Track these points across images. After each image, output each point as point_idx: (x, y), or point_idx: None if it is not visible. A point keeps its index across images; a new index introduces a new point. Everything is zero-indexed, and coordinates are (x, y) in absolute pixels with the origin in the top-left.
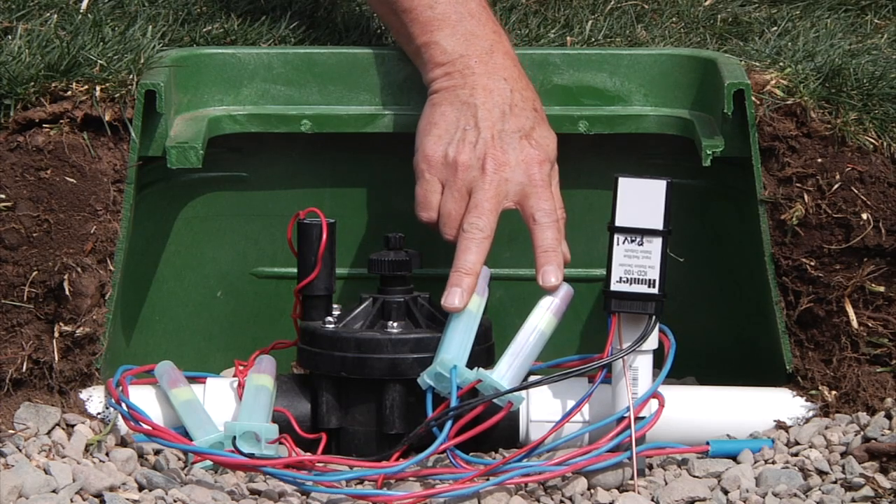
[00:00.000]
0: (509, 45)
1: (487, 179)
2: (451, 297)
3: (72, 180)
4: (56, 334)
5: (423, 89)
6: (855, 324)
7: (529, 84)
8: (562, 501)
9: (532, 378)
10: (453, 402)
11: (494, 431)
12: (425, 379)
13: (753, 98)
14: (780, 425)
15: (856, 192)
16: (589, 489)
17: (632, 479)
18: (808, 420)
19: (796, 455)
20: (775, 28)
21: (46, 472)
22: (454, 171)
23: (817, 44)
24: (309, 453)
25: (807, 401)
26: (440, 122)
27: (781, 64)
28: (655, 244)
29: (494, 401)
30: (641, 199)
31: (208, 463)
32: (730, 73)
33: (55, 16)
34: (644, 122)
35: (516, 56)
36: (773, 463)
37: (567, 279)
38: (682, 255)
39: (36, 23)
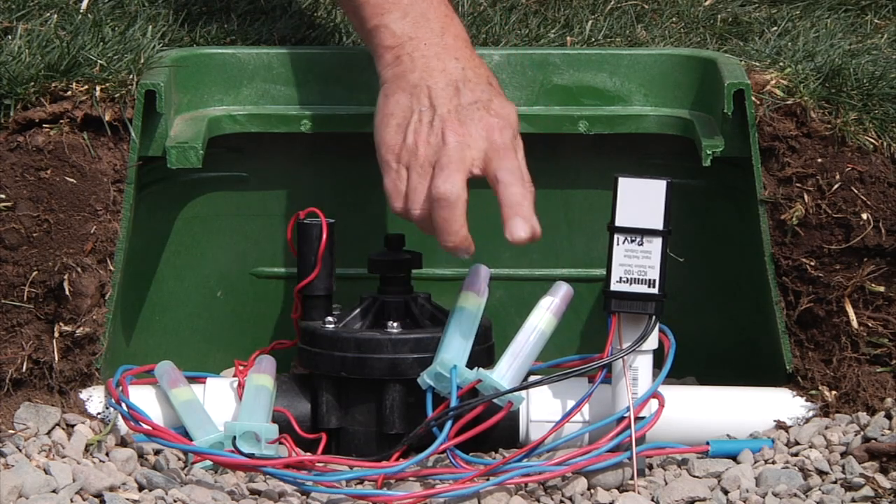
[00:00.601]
0: (461, 28)
1: (449, 148)
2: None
3: (72, 180)
4: (56, 334)
5: None
6: (855, 324)
7: (483, 63)
8: (562, 501)
9: (532, 378)
10: (453, 402)
11: (494, 431)
12: (425, 379)
13: (753, 98)
14: (780, 425)
15: (856, 192)
16: (589, 489)
17: (632, 479)
18: (808, 420)
19: (796, 455)
20: (775, 28)
21: (46, 472)
22: (415, 153)
23: (817, 44)
24: (309, 453)
25: (807, 401)
26: (395, 111)
27: (781, 64)
28: (655, 244)
29: (494, 401)
30: (641, 199)
31: (208, 463)
32: (730, 73)
33: (55, 16)
34: (644, 122)
35: (469, 39)
36: (773, 463)
37: (567, 279)
38: (682, 255)
39: (36, 23)
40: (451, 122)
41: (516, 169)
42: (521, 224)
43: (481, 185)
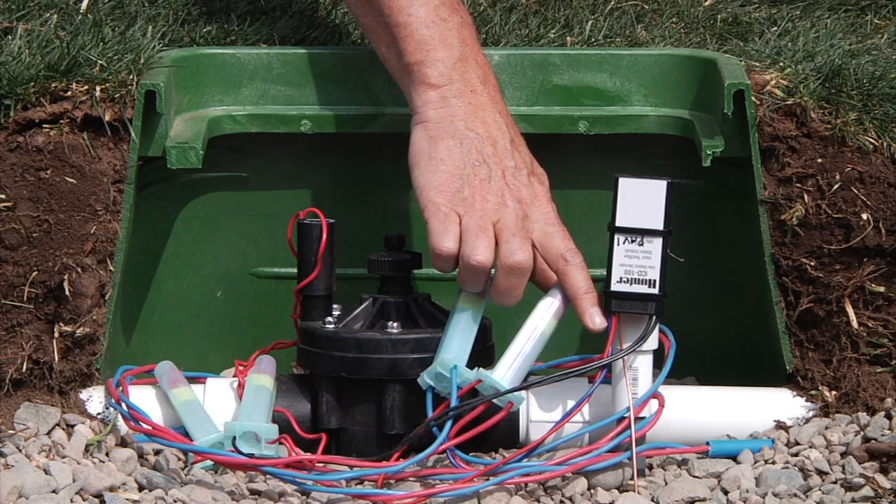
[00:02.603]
0: (495, 79)
1: (512, 212)
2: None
3: (72, 180)
4: (56, 334)
5: None
6: (855, 324)
7: (513, 119)
8: (562, 501)
9: (532, 378)
10: (453, 402)
11: (494, 431)
12: (425, 379)
13: (753, 98)
14: (780, 425)
15: (856, 192)
16: (589, 489)
17: (632, 479)
18: (808, 420)
19: (796, 455)
20: (775, 28)
21: (46, 472)
22: (472, 205)
23: (817, 44)
24: (309, 453)
25: (807, 401)
26: (446, 157)
27: (781, 64)
28: (655, 244)
29: (494, 401)
30: (641, 199)
31: (208, 463)
32: (730, 73)
33: (55, 16)
34: (644, 122)
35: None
36: (773, 463)
37: None
38: (682, 255)
39: (36, 23)
40: (508, 186)
41: (577, 250)
42: (599, 313)
43: None
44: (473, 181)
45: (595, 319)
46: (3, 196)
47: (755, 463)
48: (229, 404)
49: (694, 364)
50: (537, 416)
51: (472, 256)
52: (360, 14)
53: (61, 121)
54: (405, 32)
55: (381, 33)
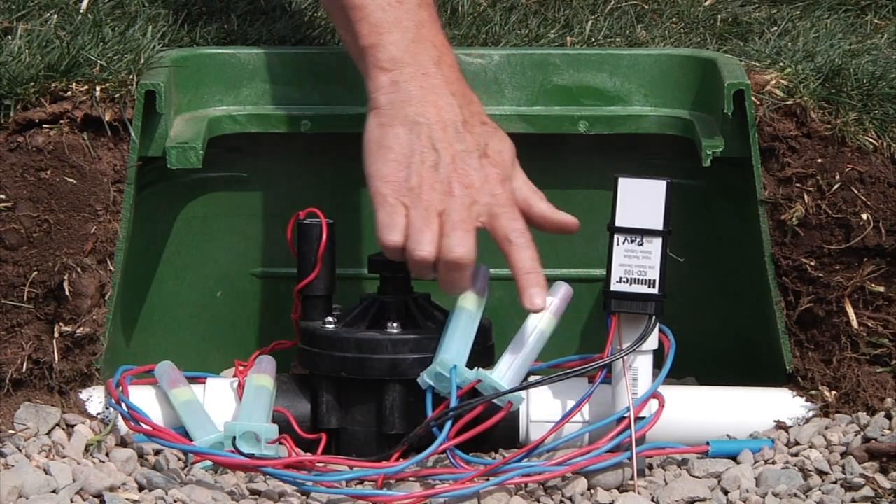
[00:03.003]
0: (455, 58)
1: (458, 201)
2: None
3: (72, 180)
4: (56, 334)
5: None
6: (855, 324)
7: (474, 96)
8: (562, 501)
9: (532, 378)
10: (453, 402)
11: (494, 431)
12: (425, 379)
13: (753, 98)
14: (780, 425)
15: (856, 192)
16: (589, 489)
17: (632, 479)
18: (808, 420)
19: (796, 455)
20: (775, 28)
21: (46, 472)
22: (419, 194)
23: (817, 44)
24: (309, 453)
25: (807, 401)
26: (394, 144)
27: (781, 64)
28: (655, 244)
29: (494, 401)
30: (641, 199)
31: (208, 463)
32: (730, 73)
33: (55, 16)
34: (644, 122)
35: (461, 71)
36: (773, 463)
37: (567, 279)
38: (682, 255)
39: (36, 23)
40: (455, 171)
41: (525, 229)
42: (540, 294)
43: None
44: (421, 169)
45: (534, 300)
46: (3, 196)
47: (755, 463)
48: (229, 404)
49: (694, 364)
50: (537, 416)
51: (415, 251)
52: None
53: (61, 121)
54: (360, 15)
55: (339, 16)
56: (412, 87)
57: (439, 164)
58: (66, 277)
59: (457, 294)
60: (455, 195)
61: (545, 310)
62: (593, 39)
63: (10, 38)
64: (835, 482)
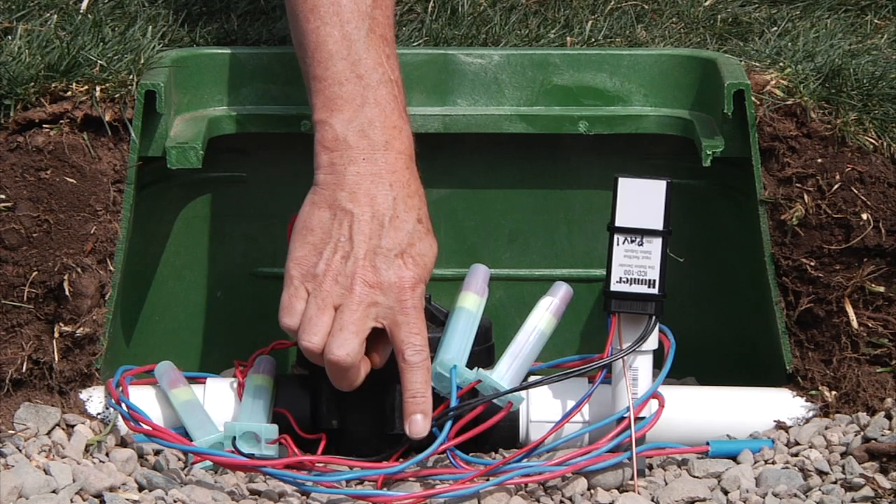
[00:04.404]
0: (409, 142)
1: (356, 300)
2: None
3: (72, 180)
4: (56, 334)
5: (422, 89)
6: (855, 324)
7: (418, 188)
8: (562, 502)
9: (532, 378)
10: (453, 403)
11: (494, 431)
12: None
13: (753, 98)
14: (780, 425)
15: (856, 192)
16: (589, 489)
17: (632, 479)
18: (808, 420)
19: (796, 455)
20: (775, 28)
21: (46, 472)
22: (320, 285)
23: (817, 44)
24: (309, 453)
25: (807, 401)
26: (316, 228)
27: (781, 64)
28: (655, 244)
29: (494, 401)
30: (641, 199)
31: (208, 463)
32: (730, 73)
33: (55, 16)
34: (644, 122)
35: (413, 154)
36: (773, 463)
37: (567, 279)
38: (682, 255)
39: (36, 23)
40: (363, 269)
41: (423, 346)
42: (423, 421)
43: (482, 186)
44: (332, 259)
45: (413, 427)
46: (3, 196)
47: (755, 463)
48: (229, 404)
49: (694, 364)
50: (537, 416)
51: (302, 340)
52: (298, 58)
53: (61, 121)
54: (318, 87)
55: (306, 83)
56: (348, 172)
57: (349, 256)
58: (66, 277)
59: (345, 390)
60: (354, 293)
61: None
62: (593, 39)
63: (10, 38)
64: (835, 482)
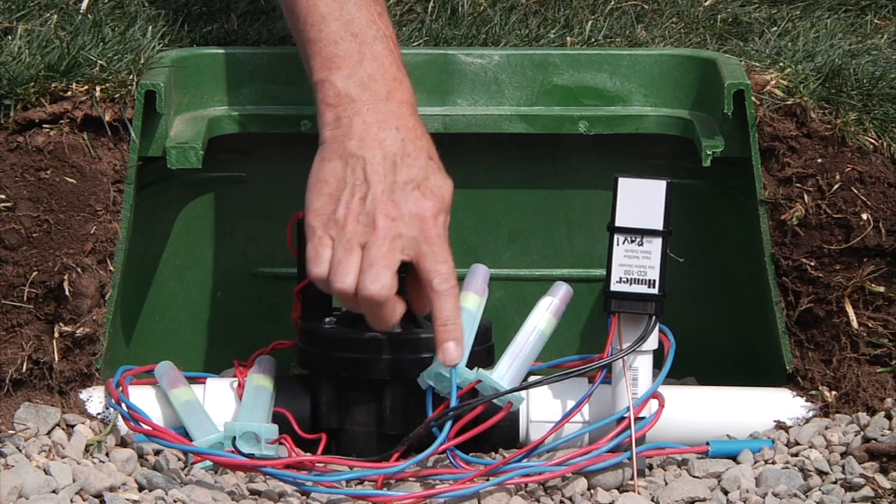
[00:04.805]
0: (409, 92)
1: (380, 235)
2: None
3: (72, 180)
4: (56, 334)
5: (422, 89)
6: (855, 324)
7: (424, 132)
8: (562, 502)
9: (532, 378)
10: (453, 403)
11: (494, 432)
12: (425, 379)
13: (753, 98)
14: (780, 425)
15: (856, 192)
16: (589, 489)
17: (632, 479)
18: (808, 420)
19: (796, 455)
20: (775, 28)
21: (46, 472)
22: (343, 227)
23: (817, 44)
24: (309, 453)
25: (807, 401)
26: (329, 178)
27: (781, 64)
28: (655, 244)
29: (494, 401)
30: (641, 199)
31: (208, 463)
32: (730, 74)
33: (55, 16)
34: (644, 122)
35: (415, 104)
36: (773, 463)
37: (567, 279)
38: (682, 255)
39: (36, 23)
40: (383, 204)
41: (450, 274)
42: (456, 348)
43: (482, 186)
44: (350, 202)
45: (447, 355)
46: (3, 196)
47: (755, 463)
48: (229, 404)
49: (694, 364)
50: (537, 416)
51: (335, 284)
52: (289, 28)
53: (61, 121)
54: (314, 49)
55: (301, 49)
56: (355, 122)
57: (368, 195)
58: (66, 277)
59: (384, 329)
60: (378, 228)
61: (462, 359)
62: (593, 39)
63: (10, 38)
64: (835, 482)
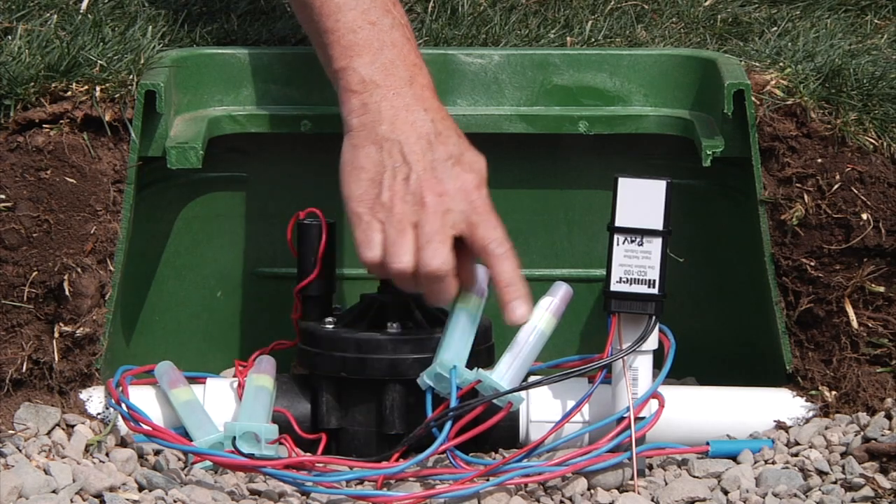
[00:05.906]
0: (429, 77)
1: (431, 211)
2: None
3: (72, 180)
4: (56, 334)
5: None
6: (855, 324)
7: (448, 114)
8: (562, 502)
9: (532, 378)
10: (453, 403)
11: (494, 432)
12: (425, 379)
13: (753, 98)
14: (780, 425)
15: (856, 192)
16: (589, 489)
17: (632, 479)
18: (808, 420)
19: (796, 455)
20: (775, 28)
21: (46, 472)
22: (391, 209)
23: (817, 44)
24: (309, 454)
25: (807, 401)
26: (366, 164)
27: (781, 64)
28: (655, 244)
29: (494, 401)
30: (641, 199)
31: (208, 463)
32: (730, 73)
33: (55, 16)
34: (644, 122)
35: (435, 88)
36: (773, 463)
37: (567, 279)
38: (682, 255)
39: (36, 23)
40: (427, 181)
41: (504, 239)
42: (523, 305)
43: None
44: (393, 184)
45: (515, 312)
46: (3, 196)
47: (755, 463)
48: (229, 404)
49: (694, 364)
50: (537, 416)
51: (393, 264)
52: (301, 21)
53: (61, 121)
54: (332, 38)
55: (317, 41)
56: (383, 107)
57: (410, 175)
58: (66, 277)
59: (443, 304)
60: (427, 205)
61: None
62: (593, 39)
63: (10, 38)
64: (835, 482)
